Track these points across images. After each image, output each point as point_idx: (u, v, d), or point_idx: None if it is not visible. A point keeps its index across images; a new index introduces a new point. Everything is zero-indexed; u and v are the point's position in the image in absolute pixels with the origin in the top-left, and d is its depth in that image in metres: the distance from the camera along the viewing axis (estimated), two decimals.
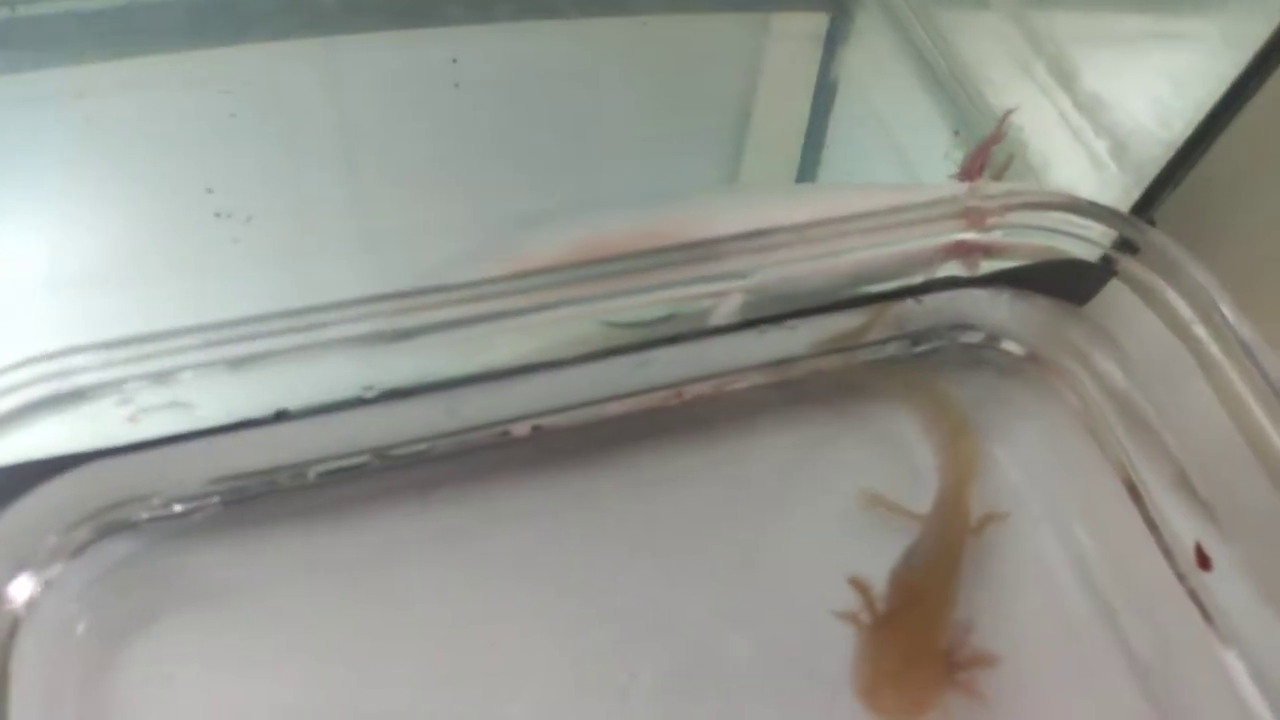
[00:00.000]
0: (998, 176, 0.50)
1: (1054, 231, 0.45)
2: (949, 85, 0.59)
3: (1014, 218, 0.44)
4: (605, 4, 0.61)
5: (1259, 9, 0.41)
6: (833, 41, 0.64)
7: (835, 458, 0.47)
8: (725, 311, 0.43)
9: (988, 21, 0.56)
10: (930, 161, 0.56)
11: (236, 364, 0.35)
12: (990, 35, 0.56)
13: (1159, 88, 0.47)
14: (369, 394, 0.38)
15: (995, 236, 0.44)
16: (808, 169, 0.61)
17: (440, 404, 0.40)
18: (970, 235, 0.44)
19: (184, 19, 0.54)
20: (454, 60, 0.55)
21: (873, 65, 0.63)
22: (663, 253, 0.41)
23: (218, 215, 0.48)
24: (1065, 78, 0.52)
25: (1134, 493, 0.46)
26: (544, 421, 0.43)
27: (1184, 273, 0.43)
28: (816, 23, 0.65)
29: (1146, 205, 0.49)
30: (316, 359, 0.36)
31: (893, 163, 0.60)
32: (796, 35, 0.64)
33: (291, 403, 0.37)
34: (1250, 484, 0.40)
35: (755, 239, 0.42)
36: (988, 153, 0.49)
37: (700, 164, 0.59)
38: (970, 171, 0.49)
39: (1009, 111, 0.51)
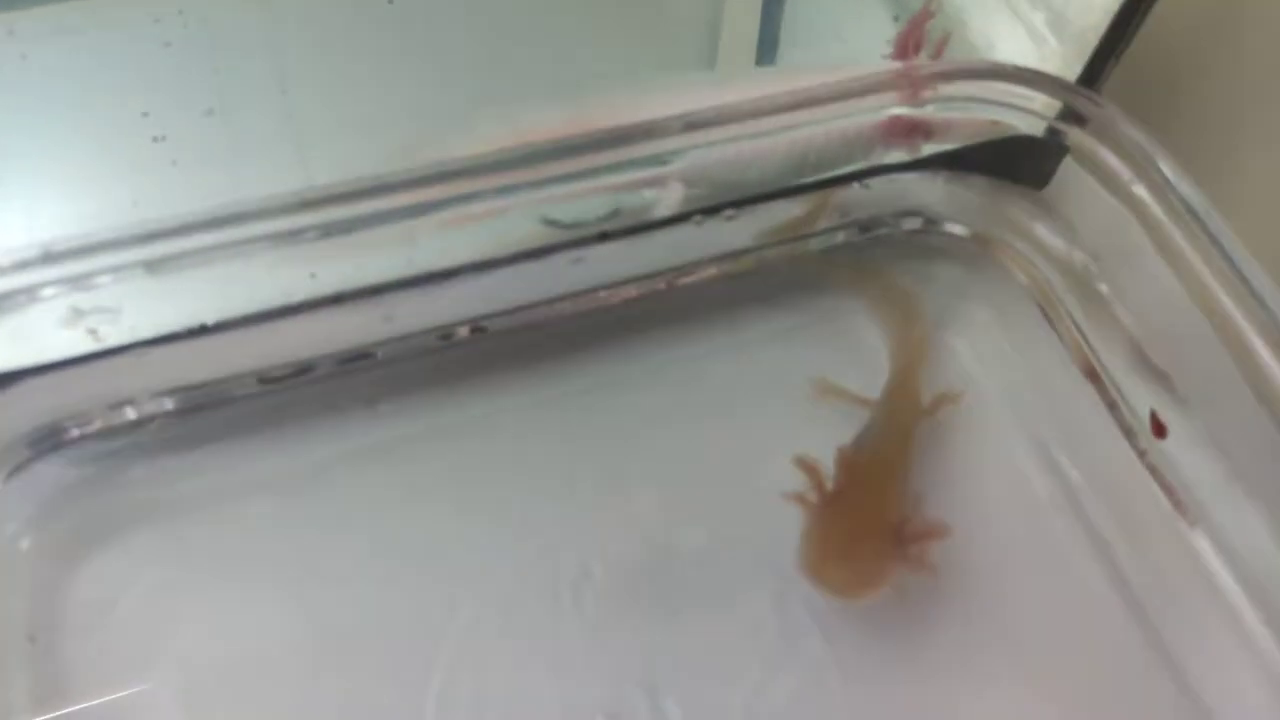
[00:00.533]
0: (935, 55, 0.49)
1: (996, 104, 0.43)
2: None
3: (950, 89, 0.43)
4: None
5: None
6: None
7: (787, 350, 0.47)
8: (668, 203, 0.43)
9: None
10: (874, 44, 0.55)
11: (155, 266, 0.34)
12: None
13: None
14: (299, 300, 0.37)
15: (933, 112, 0.43)
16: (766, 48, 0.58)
17: (376, 309, 0.39)
18: (907, 111, 0.43)
19: None
20: None
21: None
22: (593, 138, 0.39)
23: (155, 140, 0.48)
24: None
25: (1089, 369, 0.45)
26: (485, 323, 0.43)
27: (1132, 141, 0.42)
28: None
29: (1090, 80, 0.47)
30: (242, 261, 0.35)
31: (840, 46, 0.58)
32: None
33: (220, 311, 0.37)
34: (1206, 352, 0.39)
35: (686, 118, 0.40)
36: (921, 30, 0.47)
37: (651, 54, 0.57)
38: (904, 50, 0.47)
39: None
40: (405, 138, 0.43)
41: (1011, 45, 0.50)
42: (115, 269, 0.34)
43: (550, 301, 0.43)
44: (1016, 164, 0.47)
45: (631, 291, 0.45)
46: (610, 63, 0.54)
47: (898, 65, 0.45)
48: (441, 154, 0.41)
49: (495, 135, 0.43)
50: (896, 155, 0.46)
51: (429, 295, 0.40)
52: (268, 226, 0.35)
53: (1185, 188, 0.40)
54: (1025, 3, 0.49)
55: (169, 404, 0.40)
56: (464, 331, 0.42)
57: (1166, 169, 0.41)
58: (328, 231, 0.36)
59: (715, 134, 0.40)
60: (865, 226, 0.48)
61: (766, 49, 0.57)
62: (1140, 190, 0.41)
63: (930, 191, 0.48)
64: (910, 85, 0.42)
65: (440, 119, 0.47)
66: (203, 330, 0.37)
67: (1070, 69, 0.47)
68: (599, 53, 0.54)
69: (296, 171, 0.47)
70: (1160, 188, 0.41)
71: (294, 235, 0.35)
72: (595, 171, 0.39)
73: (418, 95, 0.51)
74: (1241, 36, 0.50)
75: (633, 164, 0.40)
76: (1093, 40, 0.46)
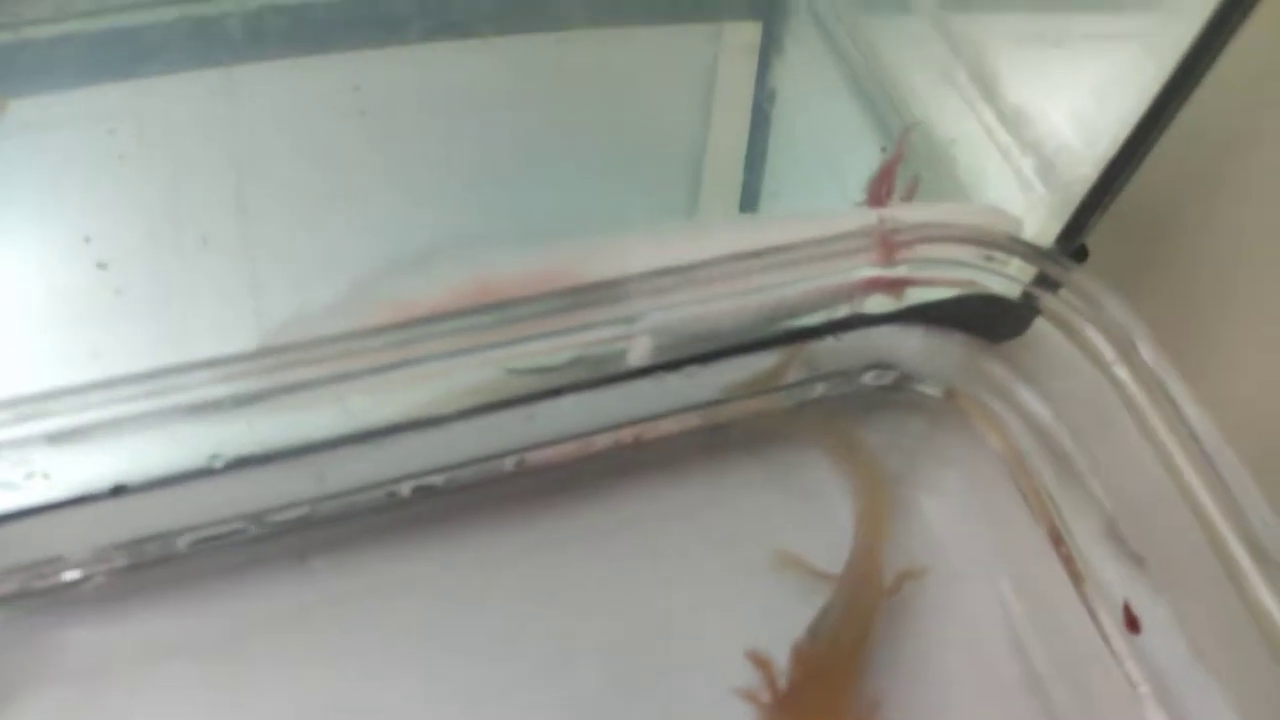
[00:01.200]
0: (907, 197, 0.48)
1: (972, 267, 0.42)
2: (877, 98, 0.56)
3: (926, 251, 0.41)
4: (522, 21, 0.58)
5: (1178, 17, 0.38)
6: (766, 52, 0.61)
7: (748, 512, 0.44)
8: (636, 355, 0.41)
9: (911, 31, 0.54)
10: (863, 175, 0.54)
11: (76, 434, 0.33)
12: (915, 46, 0.53)
13: (1080, 102, 0.44)
14: (217, 463, 0.35)
15: (908, 272, 0.42)
16: (751, 183, 0.58)
17: (305, 469, 0.37)
18: (882, 272, 0.42)
19: (73, 53, 0.52)
20: (356, 88, 0.53)
21: (806, 76, 0.60)
22: (559, 297, 0.38)
23: (100, 266, 0.46)
24: (989, 91, 0.49)
25: (1061, 545, 0.43)
26: (428, 481, 0.40)
27: (1107, 312, 0.40)
28: (749, 32, 0.62)
29: (1077, 228, 0.45)
30: (162, 426, 0.33)
31: (828, 176, 0.57)
32: (730, 46, 0.61)
33: (137, 473, 0.35)
34: (1180, 534, 0.37)
35: (658, 279, 0.39)
36: (893, 175, 0.46)
37: (637, 182, 0.56)
38: (877, 196, 0.46)
39: (907, 129, 0.48)
40: (364, 273, 0.41)
41: (1000, 188, 0.49)
42: (18, 443, 0.32)
43: (499, 456, 0.41)
44: (993, 320, 0.45)
45: (584, 447, 0.43)
46: (588, 201, 0.52)
47: (873, 218, 0.44)
48: (399, 294, 0.40)
49: (457, 278, 0.41)
50: (871, 304, 0.45)
51: (368, 454, 0.38)
52: (187, 397, 0.33)
53: (1159, 363, 0.39)
54: (1015, 148, 0.48)
55: (88, 565, 0.38)
56: (405, 490, 0.40)
57: (1140, 342, 0.39)
58: (260, 398, 0.34)
59: (686, 294, 0.39)
60: (835, 380, 0.46)
61: (752, 178, 0.55)
62: (1114, 362, 0.40)
63: (904, 345, 0.46)
64: (886, 248, 0.41)
65: (405, 249, 0.45)
66: (110, 493, 0.35)
67: (1057, 217, 0.46)
68: (576, 189, 0.53)
69: (248, 302, 0.45)
70: (1134, 361, 0.39)
71: (221, 404, 0.33)
72: (561, 332, 0.38)
73: (382, 222, 0.49)
74: (1224, 200, 0.49)
75: (601, 323, 0.38)
76: (1080, 192, 0.45)
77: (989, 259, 0.42)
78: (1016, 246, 0.41)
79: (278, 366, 0.33)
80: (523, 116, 0.55)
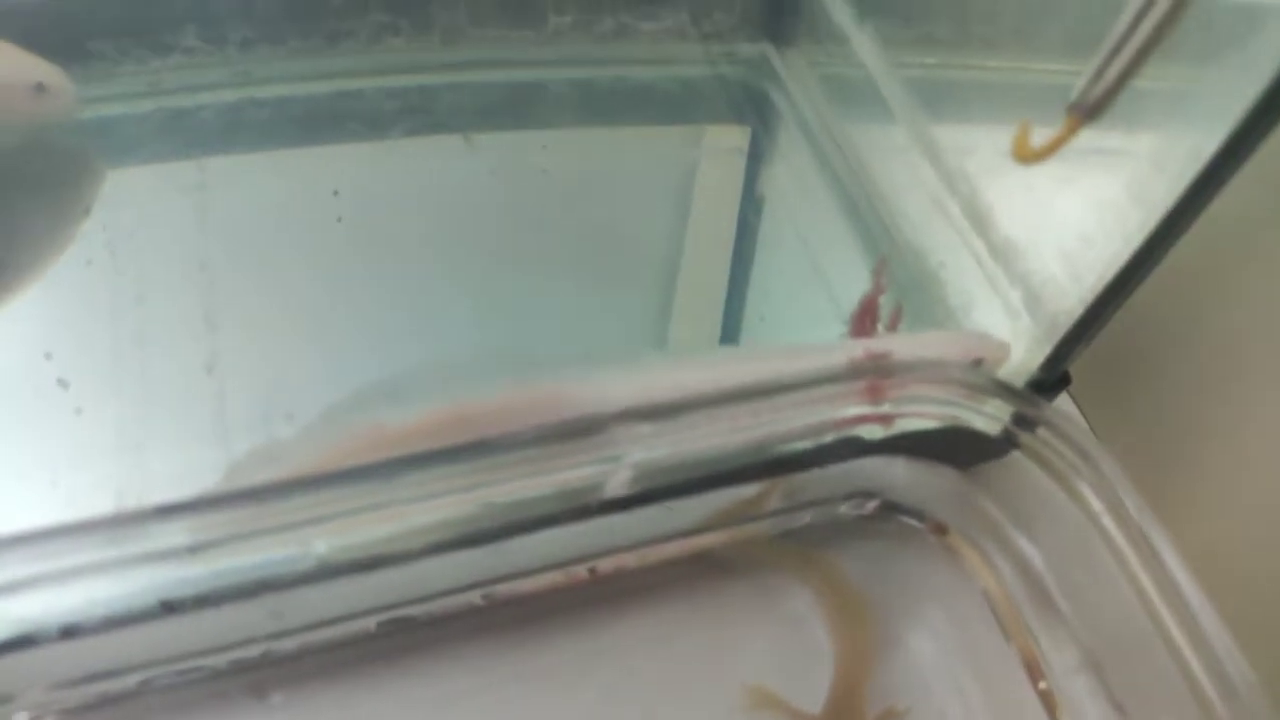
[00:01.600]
0: (891, 326, 0.48)
1: (953, 405, 0.42)
2: (866, 214, 0.57)
3: (911, 390, 0.41)
4: (510, 120, 0.58)
5: (1166, 171, 0.39)
6: (755, 159, 0.62)
7: (732, 638, 0.43)
8: (615, 486, 0.40)
9: (895, 143, 0.54)
10: (851, 289, 0.53)
11: (26, 582, 0.31)
12: (902, 163, 0.54)
13: (1068, 242, 0.44)
14: (171, 606, 0.34)
15: (893, 408, 0.41)
16: (735, 298, 0.56)
17: (262, 607, 0.36)
18: (867, 410, 0.41)
19: None
20: (336, 192, 0.52)
21: (795, 184, 0.60)
22: (542, 435, 0.37)
23: (60, 384, 0.44)
24: (979, 221, 0.50)
25: (1043, 687, 0.42)
26: (392, 615, 0.39)
27: (1084, 452, 0.40)
28: (739, 137, 0.62)
29: (1060, 357, 0.46)
30: (117, 573, 0.32)
31: (817, 288, 0.56)
32: (718, 150, 0.61)
33: (87, 615, 0.34)
34: (1164, 687, 0.37)
35: (640, 420, 0.38)
36: (874, 308, 0.47)
37: (621, 292, 0.55)
38: (861, 328, 0.46)
39: (882, 262, 0.48)
40: (337, 401, 0.40)
41: (987, 315, 0.49)
42: None
43: (466, 589, 0.40)
44: (978, 454, 0.45)
45: (556, 579, 0.41)
46: (571, 314, 0.51)
47: (858, 352, 0.43)
48: (372, 423, 0.39)
49: (431, 407, 0.40)
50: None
51: (329, 590, 0.37)
52: (145, 546, 0.31)
53: (1133, 501, 0.39)
54: (1004, 278, 0.48)
55: (38, 706, 0.36)
56: (369, 625, 0.39)
57: (1114, 479, 0.39)
58: (220, 544, 0.32)
59: (669, 434, 0.38)
60: (816, 509, 0.45)
61: (737, 293, 0.55)
62: (1090, 499, 0.40)
63: (887, 475, 0.45)
64: (871, 392, 0.40)
65: (379, 368, 0.44)
66: (70, 633, 0.34)
67: (1043, 345, 0.46)
68: (561, 300, 0.52)
69: (216, 426, 0.43)
70: (1110, 499, 0.39)
71: (178, 552, 0.32)
72: (540, 471, 0.37)
73: (356, 340, 0.48)
74: (1206, 334, 0.49)
75: (582, 462, 0.37)
76: (1065, 324, 0.45)
77: (969, 397, 0.41)
78: (993, 388, 0.41)
79: (240, 516, 0.32)
80: (503, 223, 0.55)
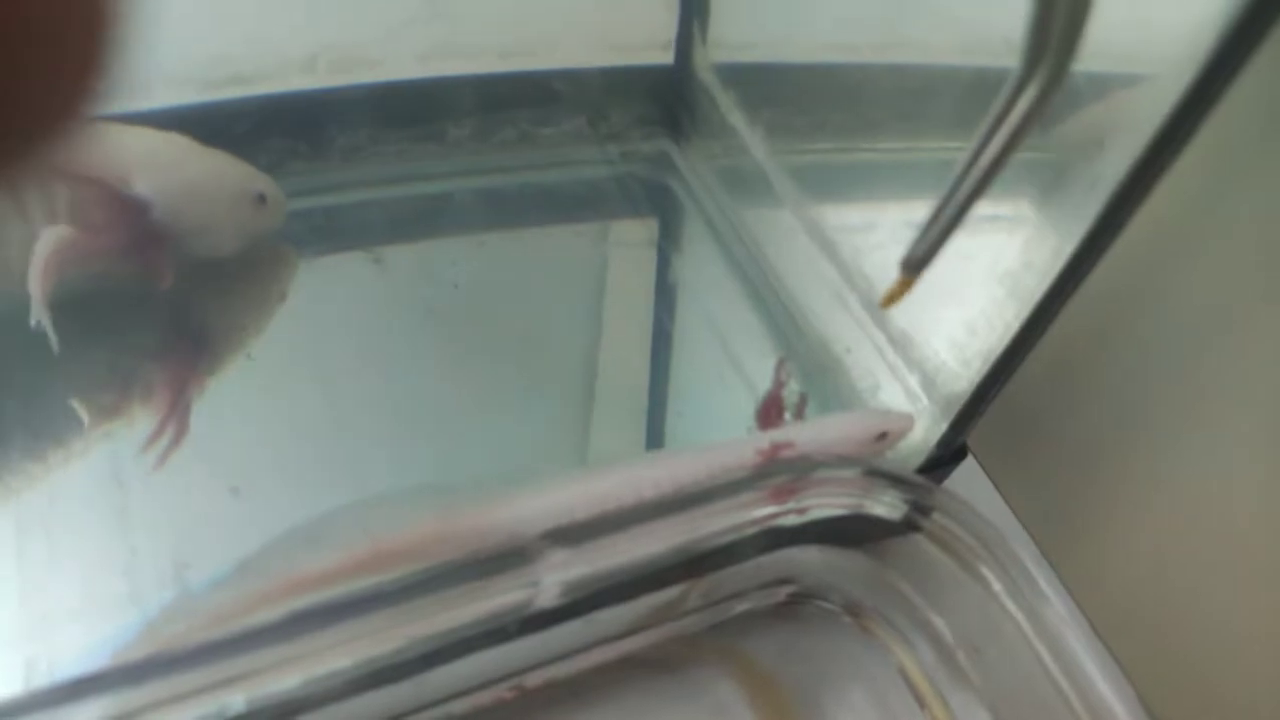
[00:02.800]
0: (798, 415, 0.50)
1: (858, 496, 0.44)
2: (773, 305, 0.59)
3: (814, 491, 0.43)
4: (418, 232, 0.59)
5: (1035, 269, 0.41)
6: (663, 251, 0.63)
7: None
8: (546, 599, 0.41)
9: (800, 243, 0.56)
10: (765, 377, 0.55)
11: None
12: (806, 260, 0.56)
13: (956, 332, 0.47)
14: None
15: (799, 505, 0.43)
16: (656, 389, 0.58)
17: None
18: (777, 510, 0.43)
19: None
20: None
21: (703, 275, 0.62)
22: (460, 573, 0.38)
23: None
24: (877, 314, 0.52)
25: None
26: None
27: (979, 534, 0.43)
28: (646, 230, 0.64)
29: (955, 435, 0.49)
30: None
31: (733, 379, 0.58)
32: (626, 244, 0.63)
33: None
34: None
35: (562, 542, 0.39)
36: (779, 401, 0.49)
37: (545, 397, 0.55)
38: (767, 421, 0.49)
39: (780, 363, 0.51)
40: (256, 550, 0.41)
41: (891, 396, 0.53)
42: None
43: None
44: (884, 535, 0.47)
45: (482, 700, 0.42)
46: (485, 445, 0.52)
47: (764, 439, 0.46)
48: (291, 568, 0.40)
49: (350, 546, 0.41)
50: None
51: None
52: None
53: (1028, 582, 0.42)
54: (902, 365, 0.51)
55: None
56: None
57: (1009, 562, 0.42)
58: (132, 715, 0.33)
59: (588, 554, 0.39)
60: (734, 601, 0.47)
61: (657, 387, 0.57)
62: (992, 582, 0.42)
63: (800, 563, 0.47)
64: (778, 494, 0.42)
65: (293, 516, 0.44)
66: None
67: (939, 424, 0.49)
68: (473, 433, 0.52)
69: (125, 583, 0.43)
70: (1007, 580, 0.42)
71: None
72: (460, 605, 0.37)
73: (267, 482, 0.47)
74: (1101, 388, 0.52)
75: (503, 591, 0.38)
76: (957, 404, 0.48)
77: (868, 489, 0.43)
78: (888, 480, 0.43)
79: (155, 686, 0.32)
80: (417, 343, 0.55)
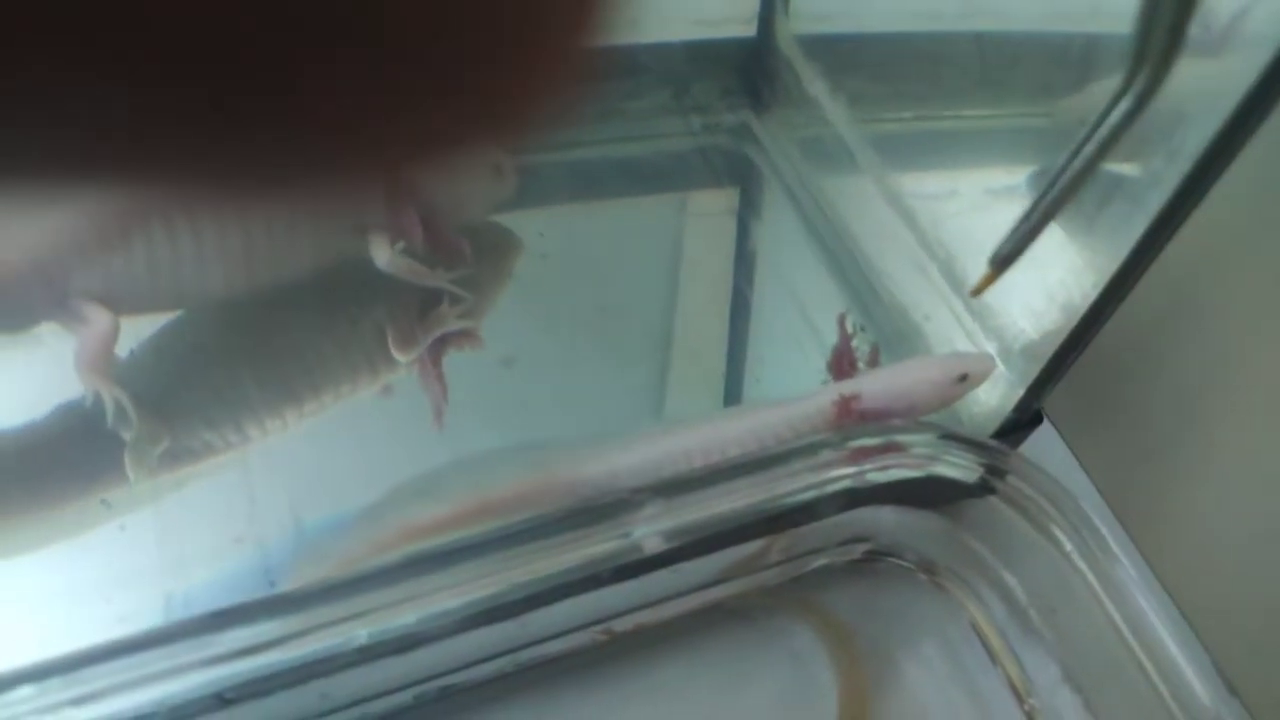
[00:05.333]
0: (870, 363, 0.52)
1: (931, 459, 0.45)
2: (852, 273, 0.61)
3: (891, 455, 0.45)
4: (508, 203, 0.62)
5: (1114, 239, 0.42)
6: (743, 219, 0.65)
7: (740, 684, 0.47)
8: (650, 546, 0.44)
9: (879, 210, 0.58)
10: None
11: (97, 694, 0.35)
12: (884, 227, 0.58)
13: (1034, 300, 0.48)
14: (227, 695, 0.38)
15: (876, 469, 0.45)
16: (734, 353, 0.60)
17: (310, 691, 0.39)
18: (852, 470, 0.45)
19: None
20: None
21: (782, 243, 0.64)
22: (560, 519, 0.41)
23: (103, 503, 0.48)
24: (956, 283, 0.54)
25: (1024, 700, 0.47)
26: (426, 687, 0.43)
27: (1052, 496, 0.44)
28: (727, 199, 0.66)
29: (1031, 400, 0.50)
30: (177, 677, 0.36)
31: (811, 345, 0.59)
32: (707, 213, 0.65)
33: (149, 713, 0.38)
34: (1134, 696, 0.41)
35: (652, 493, 0.43)
36: (850, 353, 0.51)
37: (629, 362, 0.58)
38: (841, 371, 0.51)
39: (842, 315, 0.53)
40: (376, 499, 0.45)
41: None
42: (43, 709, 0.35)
43: (494, 658, 0.44)
44: (959, 497, 0.48)
45: (577, 641, 0.45)
46: (573, 408, 0.54)
47: (833, 392, 0.48)
48: (407, 517, 0.43)
49: (460, 498, 0.45)
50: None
51: (369, 671, 0.40)
52: (206, 653, 0.36)
53: (1098, 542, 0.44)
54: (980, 332, 0.53)
55: None
56: (406, 698, 0.42)
57: (1082, 522, 0.44)
58: (276, 643, 0.36)
59: (676, 509, 0.42)
60: (814, 556, 0.49)
61: (735, 352, 0.59)
62: (1064, 541, 0.44)
63: (877, 522, 0.49)
64: (856, 455, 0.44)
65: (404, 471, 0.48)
66: None
67: (1015, 390, 0.50)
68: (562, 397, 0.55)
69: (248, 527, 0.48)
70: (1079, 540, 0.44)
71: (237, 654, 0.36)
72: (559, 553, 0.41)
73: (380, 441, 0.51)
74: (1181, 355, 0.52)
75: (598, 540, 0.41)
76: (1034, 371, 0.49)
77: (945, 451, 0.45)
78: (964, 444, 0.45)
79: (290, 620, 0.36)
80: (511, 312, 0.58)
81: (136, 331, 0.51)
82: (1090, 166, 0.34)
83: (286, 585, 0.41)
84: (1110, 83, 0.43)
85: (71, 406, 0.50)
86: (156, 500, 0.47)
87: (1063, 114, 0.51)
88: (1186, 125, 0.37)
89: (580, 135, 0.63)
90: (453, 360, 0.54)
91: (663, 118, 0.65)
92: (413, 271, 0.54)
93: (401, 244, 0.53)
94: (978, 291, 0.38)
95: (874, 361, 0.53)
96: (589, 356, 0.56)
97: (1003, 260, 0.37)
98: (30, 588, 0.45)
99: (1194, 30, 0.31)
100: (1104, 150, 0.33)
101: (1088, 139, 0.33)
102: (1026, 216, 0.35)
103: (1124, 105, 0.31)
